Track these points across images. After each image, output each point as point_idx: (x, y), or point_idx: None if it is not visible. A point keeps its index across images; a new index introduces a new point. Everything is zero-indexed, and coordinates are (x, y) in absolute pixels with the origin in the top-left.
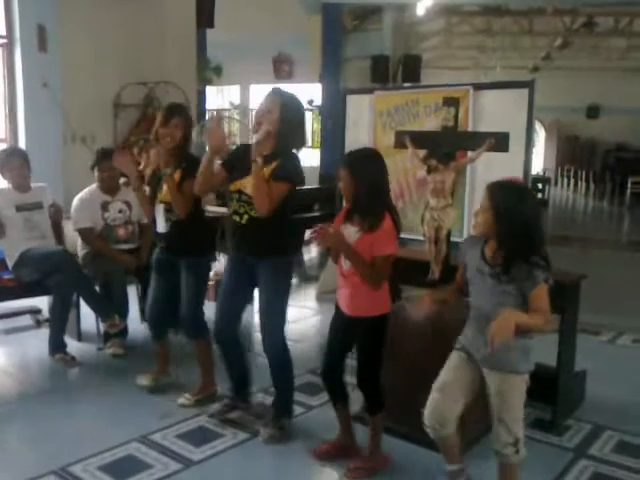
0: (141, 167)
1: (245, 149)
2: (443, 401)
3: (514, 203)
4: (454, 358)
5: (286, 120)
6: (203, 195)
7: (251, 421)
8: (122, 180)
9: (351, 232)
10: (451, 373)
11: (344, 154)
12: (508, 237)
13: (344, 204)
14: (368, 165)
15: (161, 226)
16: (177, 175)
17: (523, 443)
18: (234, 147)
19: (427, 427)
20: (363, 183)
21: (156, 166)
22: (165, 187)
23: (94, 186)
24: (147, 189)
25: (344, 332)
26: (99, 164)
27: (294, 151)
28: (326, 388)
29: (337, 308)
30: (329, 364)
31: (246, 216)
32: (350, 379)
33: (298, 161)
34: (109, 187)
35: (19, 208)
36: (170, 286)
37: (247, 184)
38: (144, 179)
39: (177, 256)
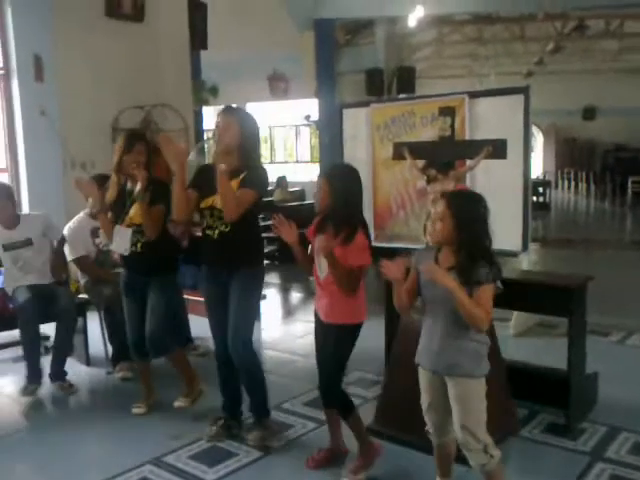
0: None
1: (211, 168)
2: (435, 417)
3: (471, 208)
4: (421, 376)
5: (246, 135)
6: (183, 221)
7: (269, 440)
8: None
9: (323, 242)
10: (427, 393)
11: (325, 167)
12: (467, 241)
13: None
14: (346, 178)
15: (124, 248)
16: (146, 199)
17: (493, 446)
18: (196, 168)
19: (430, 434)
20: (338, 195)
21: (117, 193)
22: (133, 210)
23: (82, 214)
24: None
25: (324, 338)
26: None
27: (258, 163)
28: (320, 395)
29: (316, 316)
30: (321, 372)
31: (217, 231)
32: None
33: (264, 171)
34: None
35: (6, 247)
36: (143, 307)
37: (217, 200)
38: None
39: (146, 276)
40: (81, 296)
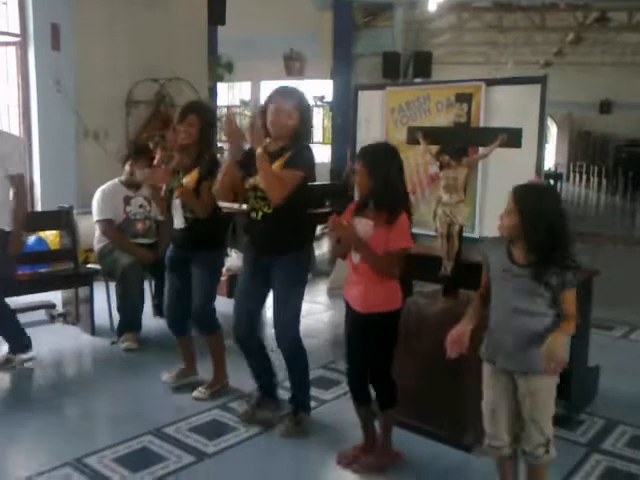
0: (155, 162)
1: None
2: (503, 422)
3: (537, 204)
4: (487, 373)
5: (303, 120)
6: (224, 197)
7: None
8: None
9: (364, 225)
10: (492, 393)
11: (361, 148)
12: (535, 239)
13: (356, 198)
14: (383, 159)
15: (178, 222)
16: (194, 176)
17: (553, 444)
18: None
19: (495, 448)
20: (378, 177)
21: (175, 164)
22: (183, 182)
23: (116, 180)
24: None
25: (360, 331)
26: (135, 158)
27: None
28: (349, 385)
29: (348, 307)
30: (353, 367)
31: (261, 212)
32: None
33: (311, 151)
34: (133, 182)
35: None
36: (185, 283)
37: (260, 180)
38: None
39: (190, 252)
40: (89, 266)
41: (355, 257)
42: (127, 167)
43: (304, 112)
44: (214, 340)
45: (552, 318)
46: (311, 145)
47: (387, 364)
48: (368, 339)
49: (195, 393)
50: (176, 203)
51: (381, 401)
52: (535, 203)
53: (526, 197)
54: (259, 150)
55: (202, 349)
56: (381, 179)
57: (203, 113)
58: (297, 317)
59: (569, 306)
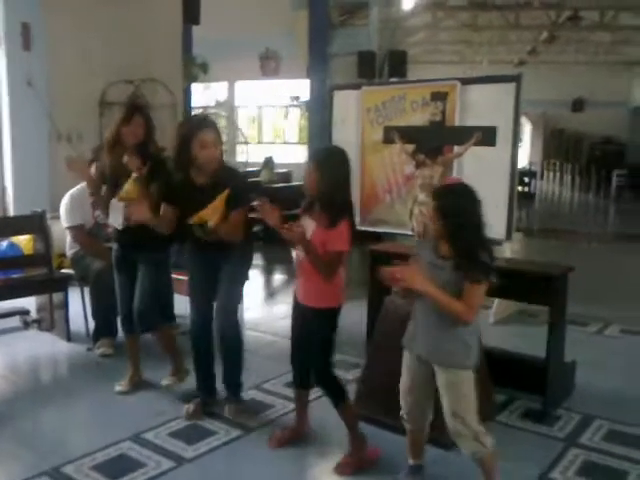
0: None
1: (180, 183)
2: (412, 401)
3: (458, 204)
4: (406, 359)
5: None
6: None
7: (243, 417)
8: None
9: (308, 225)
10: (409, 376)
11: (314, 150)
12: (457, 237)
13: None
14: (336, 163)
15: (119, 223)
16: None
17: (484, 434)
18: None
19: (405, 421)
20: (328, 180)
21: (113, 166)
22: (126, 186)
23: (84, 184)
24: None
25: (301, 319)
26: (98, 160)
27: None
28: (293, 374)
29: (294, 298)
30: (295, 350)
31: (213, 237)
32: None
33: (242, 176)
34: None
35: None
36: (134, 281)
37: (210, 217)
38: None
39: (137, 251)
40: (64, 270)
41: (300, 253)
42: (92, 169)
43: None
44: (161, 334)
45: None
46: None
47: (323, 359)
48: (306, 331)
49: (164, 382)
50: (117, 204)
51: (331, 398)
52: (454, 203)
53: (444, 199)
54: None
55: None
56: (331, 183)
57: (147, 114)
58: (237, 300)
59: (472, 300)
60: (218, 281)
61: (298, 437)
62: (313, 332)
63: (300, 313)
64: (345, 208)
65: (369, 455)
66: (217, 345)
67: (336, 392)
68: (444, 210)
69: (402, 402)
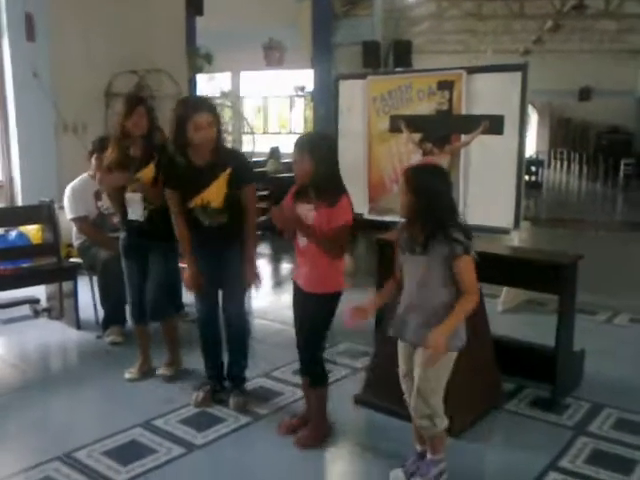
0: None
1: (176, 164)
2: (410, 388)
3: (429, 183)
4: (400, 346)
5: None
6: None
7: (250, 404)
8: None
9: (305, 209)
10: (403, 362)
11: (300, 138)
12: (426, 212)
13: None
14: (325, 148)
15: (137, 214)
16: (150, 170)
17: (441, 417)
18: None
19: (409, 405)
20: (321, 166)
21: (120, 158)
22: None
23: (85, 175)
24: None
25: (303, 305)
26: (99, 152)
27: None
28: (300, 361)
29: (295, 284)
30: (297, 337)
31: (216, 222)
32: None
33: (242, 155)
34: None
35: None
36: (144, 270)
37: (211, 198)
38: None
39: (151, 241)
40: (72, 260)
41: (302, 241)
42: (93, 160)
43: (219, 117)
44: (169, 324)
45: (451, 295)
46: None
47: (318, 343)
48: (308, 316)
49: (160, 371)
50: (134, 197)
51: (312, 378)
52: (425, 181)
53: (416, 176)
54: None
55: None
56: (326, 169)
57: (148, 104)
58: (244, 291)
59: (464, 276)
60: (222, 269)
61: (307, 424)
62: (313, 316)
63: (301, 299)
64: (340, 184)
65: (328, 429)
66: (224, 335)
67: (320, 374)
68: (415, 188)
69: (403, 387)
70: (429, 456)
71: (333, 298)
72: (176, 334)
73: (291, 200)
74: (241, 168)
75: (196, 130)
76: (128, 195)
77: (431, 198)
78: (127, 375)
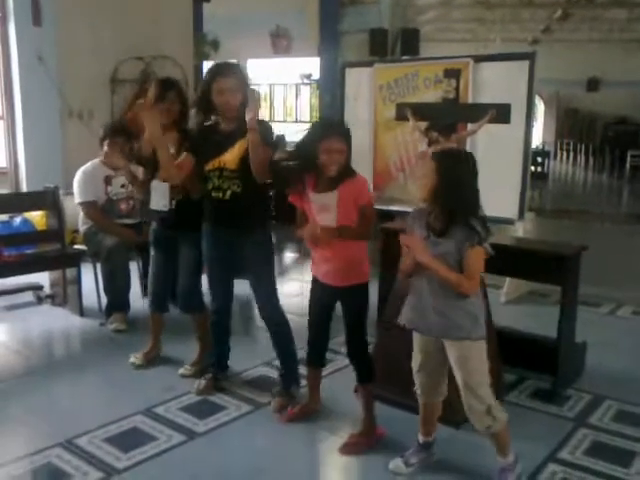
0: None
1: (205, 129)
2: (425, 379)
3: (458, 167)
4: (416, 338)
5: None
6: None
7: (254, 393)
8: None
9: (327, 198)
10: (420, 354)
11: (335, 125)
12: (449, 197)
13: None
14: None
15: (162, 204)
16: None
17: (498, 408)
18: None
19: (418, 395)
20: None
21: (147, 149)
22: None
23: (97, 160)
24: (140, 171)
25: (327, 301)
26: (111, 137)
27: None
28: (310, 354)
29: (315, 281)
30: (315, 331)
31: (229, 192)
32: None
33: (270, 126)
34: (112, 162)
35: None
36: (170, 261)
37: (227, 160)
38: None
39: (178, 231)
40: (76, 246)
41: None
42: (105, 147)
43: (247, 83)
44: (199, 319)
45: None
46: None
47: (363, 336)
48: (350, 312)
49: (181, 370)
50: (159, 185)
51: (362, 374)
52: (454, 165)
53: (446, 159)
54: (254, 126)
55: (187, 328)
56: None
57: (180, 89)
58: (273, 289)
59: (471, 265)
60: (238, 254)
61: (310, 413)
62: (357, 310)
63: (326, 294)
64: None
65: (377, 435)
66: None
67: (368, 369)
68: (442, 170)
69: (415, 379)
70: (500, 462)
71: (364, 288)
72: (206, 332)
73: (311, 188)
74: (260, 134)
75: (218, 94)
76: (154, 183)
77: (457, 184)
78: (132, 359)
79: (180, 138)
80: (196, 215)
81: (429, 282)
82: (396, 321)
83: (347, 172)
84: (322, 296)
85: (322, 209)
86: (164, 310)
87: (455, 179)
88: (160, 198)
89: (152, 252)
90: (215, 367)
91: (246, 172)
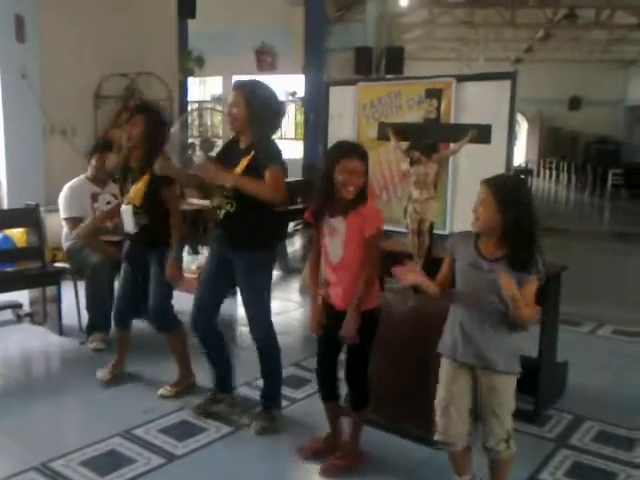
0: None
1: (229, 143)
2: (450, 422)
3: (515, 192)
4: (446, 369)
5: (253, 110)
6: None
7: (235, 414)
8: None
9: (336, 222)
10: (449, 390)
11: (356, 146)
12: (514, 228)
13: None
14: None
15: (130, 227)
16: (144, 183)
17: (514, 438)
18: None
19: (445, 445)
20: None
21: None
22: (132, 188)
23: (83, 177)
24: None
25: (338, 328)
26: (100, 153)
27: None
28: (320, 385)
29: (326, 305)
30: (326, 361)
31: (224, 211)
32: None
33: (275, 145)
34: (99, 178)
35: None
36: (138, 278)
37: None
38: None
39: (148, 249)
40: (57, 264)
41: (334, 257)
42: (93, 162)
43: (251, 100)
44: (174, 339)
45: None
46: (274, 138)
47: (364, 363)
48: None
49: (161, 391)
50: (126, 209)
51: (355, 401)
52: (511, 190)
53: (504, 189)
54: (230, 177)
55: (164, 347)
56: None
57: (149, 113)
58: (265, 312)
59: (531, 293)
60: (231, 279)
61: (332, 449)
62: (364, 334)
63: (338, 321)
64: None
65: (357, 460)
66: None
67: (365, 396)
68: (504, 201)
69: (440, 419)
70: None
71: (376, 313)
72: (184, 351)
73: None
74: (261, 153)
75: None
76: (123, 207)
77: (519, 214)
78: (98, 374)
79: (146, 166)
80: (162, 235)
81: (475, 312)
82: (385, 345)
83: (363, 197)
84: (333, 322)
85: (331, 232)
86: (126, 326)
87: (512, 203)
88: (128, 221)
89: (123, 267)
90: (215, 386)
91: (240, 193)
